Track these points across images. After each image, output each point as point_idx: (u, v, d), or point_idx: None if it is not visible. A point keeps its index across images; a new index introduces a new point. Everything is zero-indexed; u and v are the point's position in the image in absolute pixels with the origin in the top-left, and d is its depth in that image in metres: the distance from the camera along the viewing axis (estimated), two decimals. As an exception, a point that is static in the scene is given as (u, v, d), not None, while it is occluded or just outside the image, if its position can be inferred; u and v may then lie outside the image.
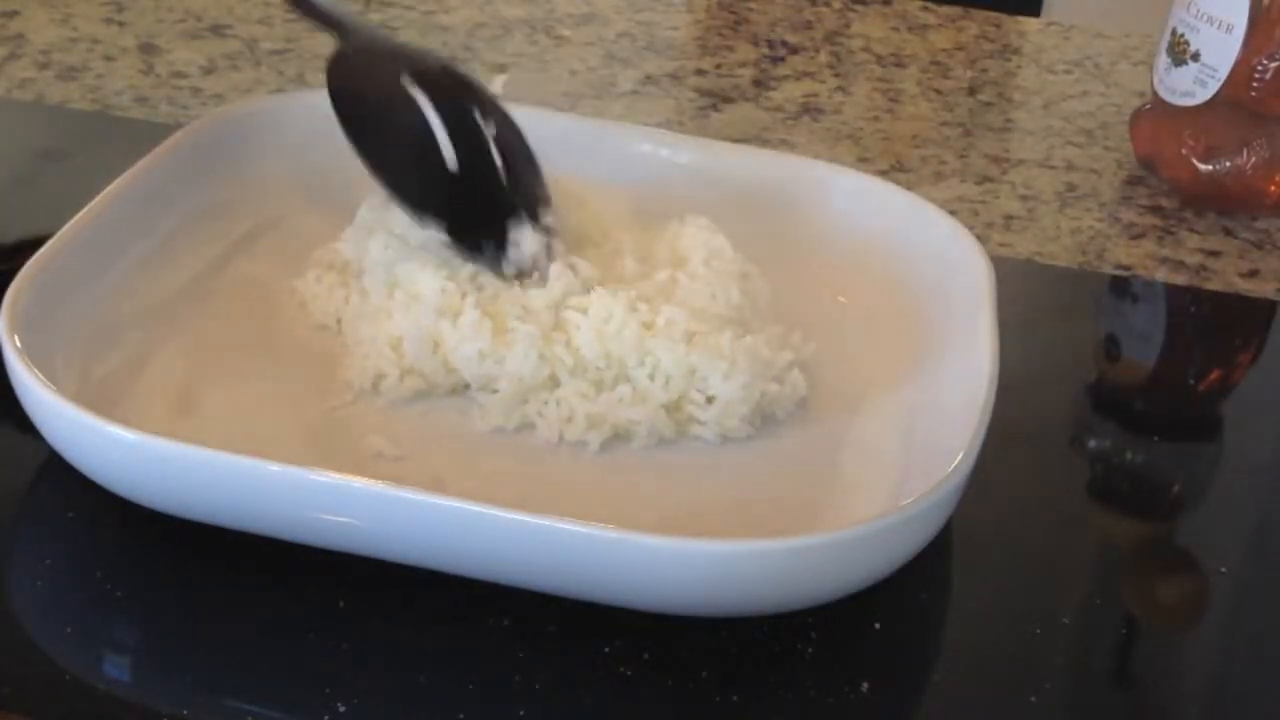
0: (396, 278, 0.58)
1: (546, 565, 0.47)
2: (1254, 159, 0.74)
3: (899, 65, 0.90)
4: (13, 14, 0.85)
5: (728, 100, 0.84)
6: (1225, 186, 0.75)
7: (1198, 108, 0.75)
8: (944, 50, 0.92)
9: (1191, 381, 0.69)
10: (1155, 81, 0.77)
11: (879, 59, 0.90)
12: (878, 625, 0.51)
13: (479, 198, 0.59)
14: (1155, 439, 0.64)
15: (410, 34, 0.87)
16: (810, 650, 0.49)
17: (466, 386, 0.57)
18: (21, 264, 0.54)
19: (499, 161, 0.59)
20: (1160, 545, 0.59)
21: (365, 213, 0.62)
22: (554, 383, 0.56)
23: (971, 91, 0.87)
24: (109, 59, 0.82)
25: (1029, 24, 0.97)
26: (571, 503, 0.49)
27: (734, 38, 0.91)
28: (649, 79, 0.85)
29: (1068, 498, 0.58)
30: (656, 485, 0.55)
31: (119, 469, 0.50)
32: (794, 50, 0.90)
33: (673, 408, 0.56)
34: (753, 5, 0.96)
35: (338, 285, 0.61)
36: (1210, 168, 0.75)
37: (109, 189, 0.59)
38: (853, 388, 0.59)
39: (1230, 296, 0.71)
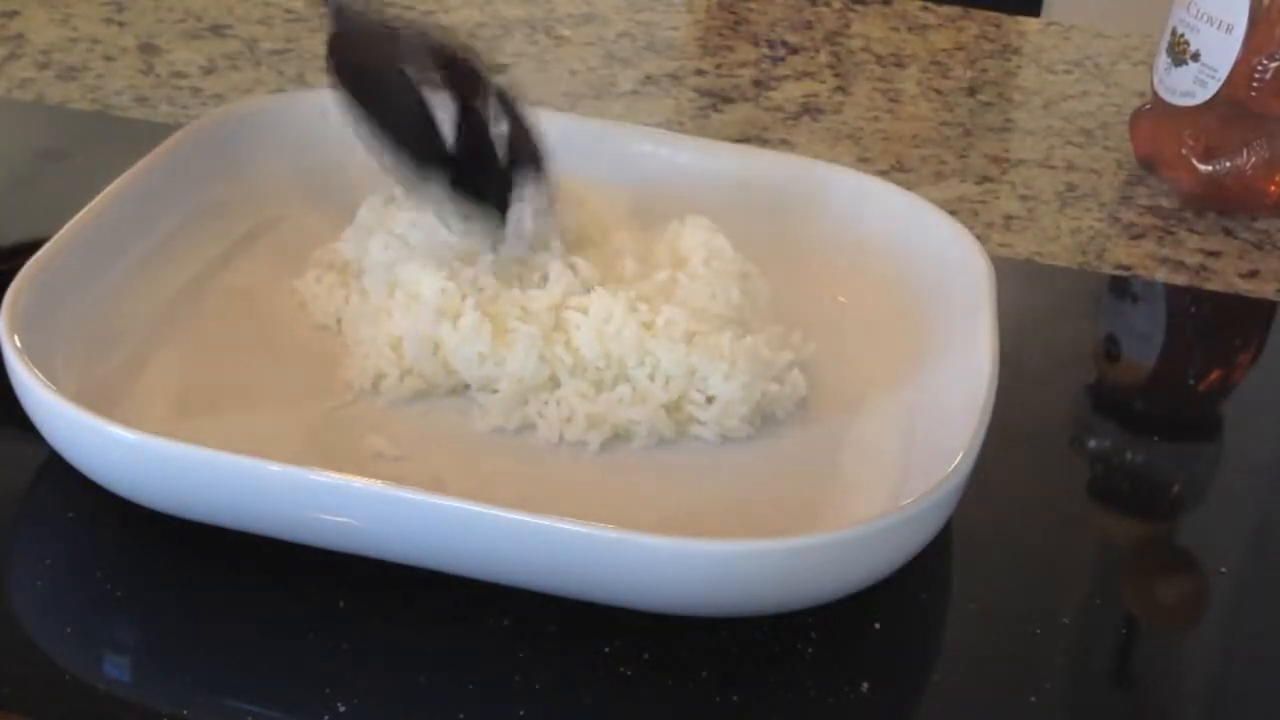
0: (396, 278, 0.58)
1: (546, 565, 0.47)
2: (1254, 159, 0.74)
3: (899, 65, 0.90)
4: (13, 14, 0.85)
5: (728, 100, 0.84)
6: (1225, 187, 0.75)
7: (1198, 108, 0.75)
8: (944, 50, 0.92)
9: (1191, 381, 0.69)
10: (1155, 81, 0.77)
11: (879, 59, 0.90)
12: (878, 625, 0.51)
13: (481, 147, 0.59)
14: (1155, 439, 0.64)
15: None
16: (810, 650, 0.49)
17: (466, 387, 0.57)
18: (21, 264, 0.54)
19: (504, 119, 0.59)
20: (1160, 545, 0.59)
21: (365, 213, 0.62)
22: (554, 383, 0.56)
23: (971, 91, 0.87)
24: (109, 59, 0.82)
25: (1029, 24, 0.97)
26: (571, 503, 0.49)
27: (734, 38, 0.91)
28: (649, 79, 0.85)
29: (1068, 498, 0.58)
30: (656, 485, 0.55)
31: (119, 469, 0.50)
32: (794, 50, 0.90)
33: (673, 408, 0.56)
34: (753, 5, 0.95)
35: (338, 285, 0.61)
36: (1210, 168, 0.75)
37: (109, 189, 0.59)
38: (853, 388, 0.59)
39: (1230, 297, 0.71)
